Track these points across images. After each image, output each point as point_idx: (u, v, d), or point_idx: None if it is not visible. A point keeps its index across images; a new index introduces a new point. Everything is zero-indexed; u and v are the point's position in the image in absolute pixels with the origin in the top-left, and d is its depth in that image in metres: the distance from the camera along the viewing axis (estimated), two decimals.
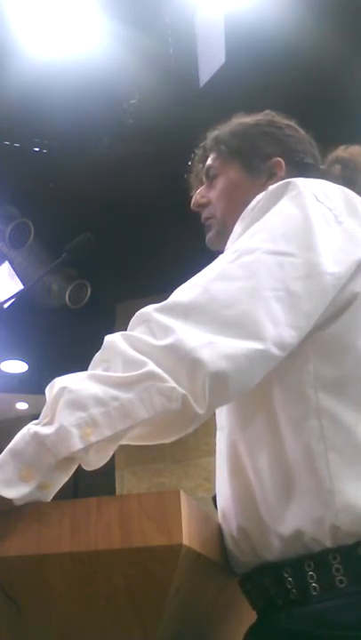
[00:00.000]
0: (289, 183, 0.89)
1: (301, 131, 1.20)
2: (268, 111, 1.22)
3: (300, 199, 0.86)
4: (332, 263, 0.81)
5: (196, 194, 1.19)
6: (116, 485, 5.03)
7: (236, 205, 0.97)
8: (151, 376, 0.70)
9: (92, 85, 3.35)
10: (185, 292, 0.79)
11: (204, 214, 1.17)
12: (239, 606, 0.98)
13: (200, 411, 0.72)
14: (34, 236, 4.27)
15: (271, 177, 1.11)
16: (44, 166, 3.89)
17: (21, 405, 6.84)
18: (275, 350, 0.75)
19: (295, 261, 0.80)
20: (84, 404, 0.68)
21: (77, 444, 0.67)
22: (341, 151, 1.15)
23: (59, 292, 4.76)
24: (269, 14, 3.00)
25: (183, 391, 0.70)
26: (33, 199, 4.15)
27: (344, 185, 0.97)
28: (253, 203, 0.91)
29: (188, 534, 0.65)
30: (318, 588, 0.74)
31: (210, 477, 4.61)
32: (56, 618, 0.75)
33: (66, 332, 5.04)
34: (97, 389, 0.69)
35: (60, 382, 0.72)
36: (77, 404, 0.68)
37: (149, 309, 0.78)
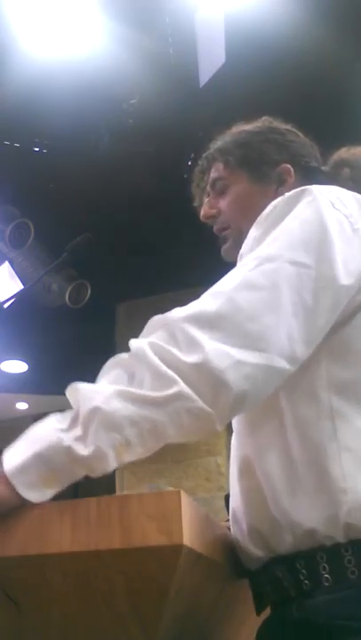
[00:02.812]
0: (305, 190, 0.89)
1: (301, 134, 1.20)
2: (265, 117, 1.22)
3: (316, 205, 0.87)
4: (346, 275, 0.82)
5: (204, 205, 1.19)
6: (116, 485, 5.03)
7: (249, 214, 0.97)
8: (181, 397, 0.72)
9: (92, 85, 3.35)
10: (210, 301, 0.80)
11: (217, 225, 1.16)
12: (240, 606, 0.98)
13: (220, 428, 0.76)
14: (34, 236, 4.26)
15: (281, 184, 1.11)
16: (44, 166, 3.89)
17: (21, 405, 6.84)
18: (287, 366, 0.78)
19: (312, 274, 0.81)
20: (119, 425, 0.70)
21: (112, 464, 0.70)
22: (345, 153, 1.15)
23: (59, 292, 4.75)
24: (269, 14, 3.00)
25: (210, 410, 0.73)
26: (33, 199, 4.15)
27: (353, 187, 0.98)
28: (270, 208, 0.91)
29: (189, 535, 0.65)
30: (331, 579, 0.76)
31: (210, 477, 4.61)
32: (56, 618, 0.75)
33: (66, 332, 5.03)
34: (129, 410, 0.71)
35: (89, 396, 0.72)
36: (112, 426, 0.70)
37: (174, 316, 0.78)
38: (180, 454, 4.83)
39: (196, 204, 1.25)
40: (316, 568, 0.77)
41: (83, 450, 0.69)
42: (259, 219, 0.91)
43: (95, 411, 0.70)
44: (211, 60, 3.14)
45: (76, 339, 5.11)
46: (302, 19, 3.00)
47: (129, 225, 4.41)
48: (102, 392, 0.72)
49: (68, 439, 0.70)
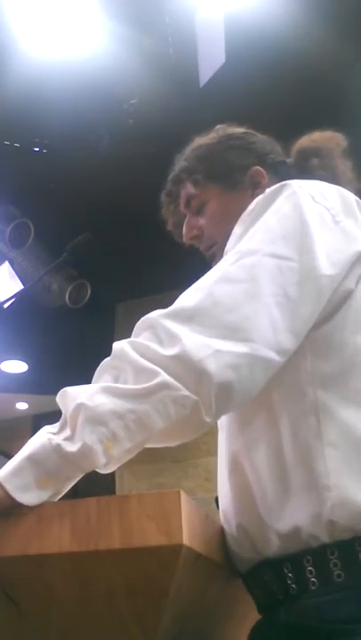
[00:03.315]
0: (285, 185, 0.90)
1: (258, 134, 1.19)
2: (219, 126, 1.20)
3: (295, 199, 0.87)
4: (329, 265, 0.82)
5: (184, 227, 1.17)
6: (116, 485, 5.03)
7: (231, 225, 0.97)
8: (165, 386, 0.72)
9: (93, 85, 3.35)
10: (190, 296, 0.80)
11: (203, 245, 1.15)
12: (240, 606, 0.98)
13: (208, 419, 0.75)
14: (34, 236, 4.27)
15: (256, 187, 1.10)
16: (44, 166, 3.89)
17: (21, 405, 6.83)
18: (275, 356, 0.77)
19: (293, 266, 0.81)
20: (104, 419, 0.71)
21: (101, 459, 0.70)
22: (306, 141, 1.13)
23: (59, 292, 4.76)
24: (269, 14, 3.00)
25: (196, 397, 0.73)
26: (33, 199, 4.15)
27: (327, 177, 0.98)
28: (252, 205, 0.91)
29: (189, 534, 0.65)
30: (317, 583, 0.75)
31: (210, 477, 4.61)
32: (56, 618, 0.75)
33: (66, 332, 5.04)
34: (113, 404, 0.72)
35: (73, 396, 0.73)
36: (97, 420, 0.71)
37: (155, 315, 0.79)
38: (180, 454, 4.83)
39: (168, 227, 1.24)
40: (303, 572, 0.77)
41: (71, 447, 0.70)
42: (242, 216, 0.92)
43: (80, 407, 0.71)
44: (211, 61, 3.14)
45: (76, 339, 5.11)
46: (302, 19, 3.00)
47: (129, 225, 4.41)
48: (87, 390, 0.73)
49: (57, 439, 0.71)
